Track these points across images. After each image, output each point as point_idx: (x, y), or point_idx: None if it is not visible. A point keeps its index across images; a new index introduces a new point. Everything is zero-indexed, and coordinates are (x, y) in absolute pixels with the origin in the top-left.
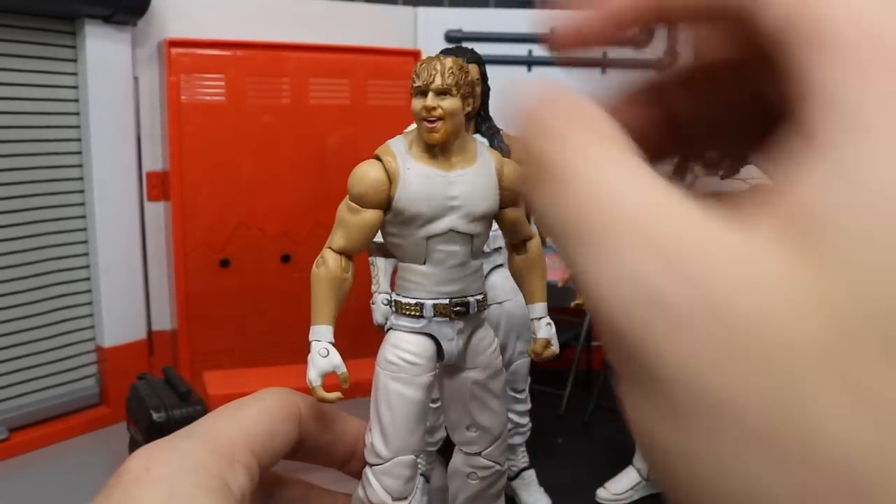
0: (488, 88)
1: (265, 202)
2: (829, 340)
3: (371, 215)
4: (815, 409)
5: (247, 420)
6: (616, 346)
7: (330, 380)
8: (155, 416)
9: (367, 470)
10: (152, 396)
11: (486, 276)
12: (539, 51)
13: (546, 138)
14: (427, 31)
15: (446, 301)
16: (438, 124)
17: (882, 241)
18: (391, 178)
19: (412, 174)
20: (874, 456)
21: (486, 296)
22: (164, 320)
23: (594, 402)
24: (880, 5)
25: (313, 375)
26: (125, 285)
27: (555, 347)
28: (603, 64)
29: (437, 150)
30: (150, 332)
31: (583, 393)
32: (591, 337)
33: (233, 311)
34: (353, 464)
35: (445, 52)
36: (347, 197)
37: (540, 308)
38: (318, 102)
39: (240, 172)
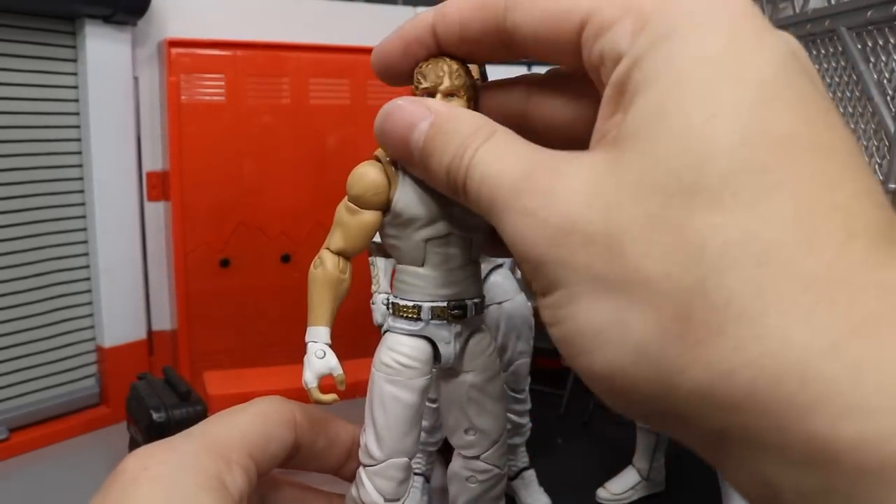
0: None
1: (265, 202)
2: (637, 206)
3: (370, 217)
4: (637, 262)
5: (243, 424)
6: (532, 274)
7: (326, 382)
8: (155, 416)
9: (361, 470)
10: (152, 396)
11: (485, 277)
12: None
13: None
14: None
15: (444, 304)
16: None
17: (659, 132)
18: (390, 180)
19: (411, 176)
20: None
21: (483, 299)
22: (164, 320)
23: (594, 402)
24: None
25: (309, 377)
26: (125, 285)
27: None
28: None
29: None
30: (150, 332)
31: (583, 393)
32: None
33: (233, 311)
34: (348, 467)
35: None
36: (346, 198)
37: None
38: (318, 102)
39: (240, 172)
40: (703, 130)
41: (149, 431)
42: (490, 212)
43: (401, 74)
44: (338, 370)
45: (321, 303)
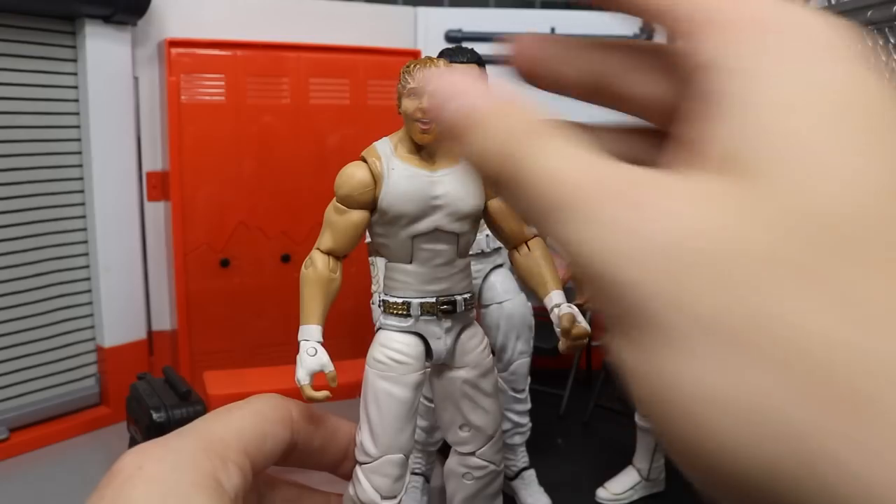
0: None
1: (265, 202)
2: (777, 247)
3: (357, 216)
4: (781, 309)
5: (239, 422)
6: (611, 299)
7: (319, 381)
8: (155, 416)
9: (357, 468)
10: (152, 396)
11: (485, 277)
12: None
13: (505, 143)
14: (427, 31)
15: (433, 300)
16: (432, 126)
17: (792, 163)
18: (376, 179)
19: (396, 174)
20: (854, 350)
21: (474, 294)
22: (164, 320)
23: (594, 402)
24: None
25: (301, 374)
26: (125, 285)
27: (583, 324)
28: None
29: (424, 150)
30: (150, 332)
31: (583, 393)
32: (591, 337)
33: (233, 311)
34: (345, 465)
35: (445, 52)
36: (335, 198)
37: (557, 295)
38: (318, 102)
39: (240, 172)
40: (852, 174)
41: (149, 431)
42: (547, 216)
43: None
44: (329, 367)
45: (312, 302)
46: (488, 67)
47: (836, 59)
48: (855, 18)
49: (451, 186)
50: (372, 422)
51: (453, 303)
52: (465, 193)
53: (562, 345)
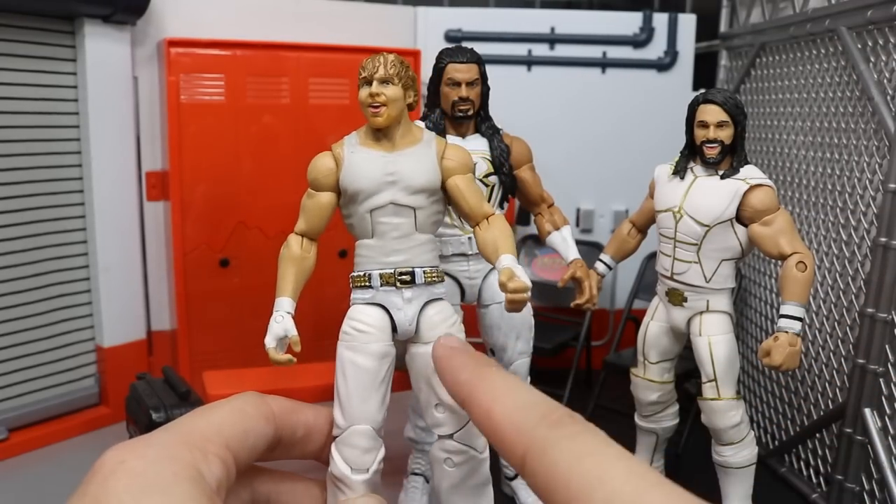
0: (488, 89)
1: (265, 202)
2: None
3: (325, 198)
4: None
5: (220, 418)
6: None
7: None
8: (155, 416)
9: (332, 445)
10: (152, 396)
11: (485, 277)
12: (538, 50)
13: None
14: (427, 31)
15: (391, 270)
16: (382, 109)
17: None
18: (337, 163)
19: (356, 157)
20: None
21: (438, 269)
22: (163, 320)
23: (594, 402)
24: None
25: (269, 339)
26: (125, 285)
27: (523, 279)
28: None
29: (382, 135)
30: (149, 332)
31: (583, 393)
32: (590, 337)
33: (233, 311)
34: (327, 451)
35: (445, 52)
36: (308, 187)
37: (506, 258)
38: (318, 102)
39: (240, 172)
40: None
41: (148, 431)
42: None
43: None
44: (292, 331)
45: (285, 277)
46: (488, 67)
47: None
48: (855, 18)
49: (405, 164)
50: (340, 393)
51: (412, 273)
52: (418, 170)
53: (506, 303)
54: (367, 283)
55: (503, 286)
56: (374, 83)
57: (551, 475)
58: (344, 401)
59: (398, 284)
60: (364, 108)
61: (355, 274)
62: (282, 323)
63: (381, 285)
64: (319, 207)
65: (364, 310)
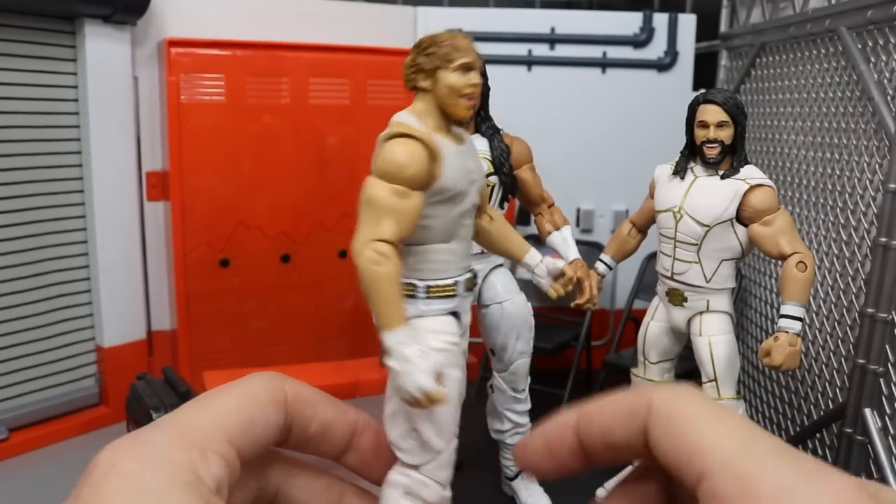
0: (488, 89)
1: (265, 202)
2: None
3: (420, 198)
4: None
5: (223, 407)
6: None
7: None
8: (155, 416)
9: (416, 473)
10: (152, 396)
11: (485, 276)
12: (538, 50)
13: None
14: (427, 31)
15: (470, 275)
16: (474, 101)
17: None
18: (434, 157)
19: (446, 151)
20: None
21: None
22: (163, 320)
23: None
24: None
25: (424, 381)
26: (125, 285)
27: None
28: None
29: (453, 127)
30: (149, 332)
31: (583, 393)
32: (590, 337)
33: (233, 311)
34: (350, 456)
35: None
36: (387, 182)
37: (535, 253)
38: (318, 102)
39: (239, 172)
40: None
41: None
42: None
43: (548, 473)
44: (440, 367)
45: (395, 301)
46: (488, 67)
47: None
48: (855, 18)
49: (475, 161)
50: (435, 415)
51: (475, 275)
52: (482, 168)
53: (557, 289)
54: (454, 292)
55: (568, 280)
56: (474, 73)
57: None
58: (442, 421)
59: (472, 288)
60: (453, 96)
61: (438, 283)
62: (431, 358)
63: (463, 292)
64: (416, 210)
65: (445, 320)
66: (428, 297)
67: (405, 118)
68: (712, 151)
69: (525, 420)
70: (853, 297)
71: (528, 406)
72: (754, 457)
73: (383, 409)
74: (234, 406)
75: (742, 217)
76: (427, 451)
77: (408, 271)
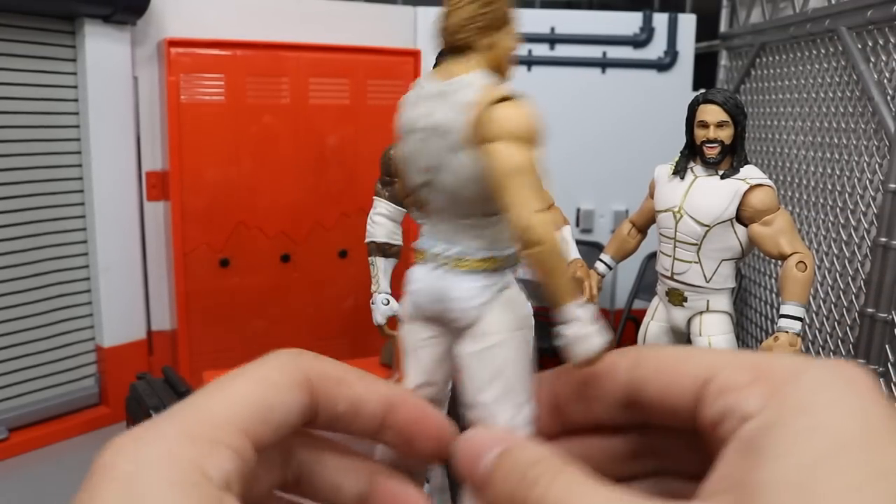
0: None
1: (265, 202)
2: None
3: None
4: None
5: (237, 394)
6: None
7: None
8: (155, 416)
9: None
10: (152, 396)
11: None
12: (538, 50)
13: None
14: (427, 31)
15: None
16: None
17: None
18: None
19: None
20: None
21: None
22: (163, 320)
23: None
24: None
25: (597, 343)
26: (125, 285)
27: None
28: None
29: None
30: (149, 332)
31: None
32: None
33: (233, 311)
34: (386, 433)
35: (444, 53)
36: (528, 146)
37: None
38: (318, 102)
39: (240, 172)
40: None
41: None
42: None
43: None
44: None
45: (567, 274)
46: None
47: (855, 410)
48: (855, 18)
49: None
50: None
51: None
52: None
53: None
54: (518, 261)
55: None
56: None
57: None
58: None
59: None
60: (506, 61)
61: (510, 253)
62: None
63: None
64: None
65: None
66: (508, 268)
67: (479, 77)
68: (712, 151)
69: None
70: (853, 297)
71: None
72: (765, 355)
73: (477, 399)
74: (249, 392)
75: (742, 217)
76: (529, 426)
77: (487, 243)
